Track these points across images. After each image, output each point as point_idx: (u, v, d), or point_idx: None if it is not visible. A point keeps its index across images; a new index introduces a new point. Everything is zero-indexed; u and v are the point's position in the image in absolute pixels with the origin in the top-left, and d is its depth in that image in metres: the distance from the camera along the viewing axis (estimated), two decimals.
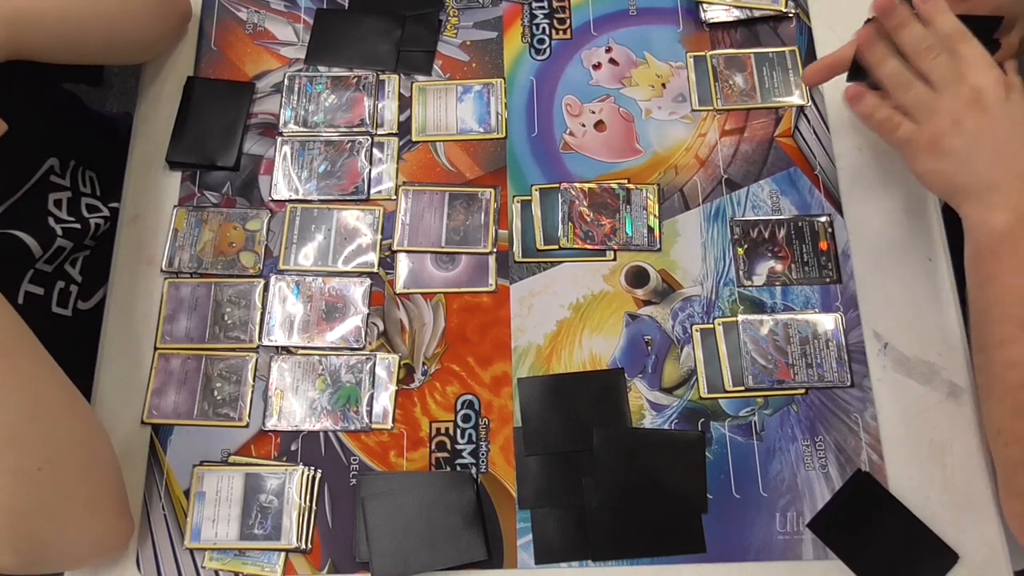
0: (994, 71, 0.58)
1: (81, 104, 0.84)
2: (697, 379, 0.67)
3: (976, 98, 0.58)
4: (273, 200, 0.74)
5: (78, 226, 0.71)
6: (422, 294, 0.71)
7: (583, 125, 0.76)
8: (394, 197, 0.74)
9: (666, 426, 0.66)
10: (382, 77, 0.78)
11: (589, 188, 0.73)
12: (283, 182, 0.74)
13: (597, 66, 0.78)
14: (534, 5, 0.81)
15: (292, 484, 0.65)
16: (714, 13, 0.79)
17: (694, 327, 0.68)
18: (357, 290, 0.70)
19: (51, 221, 0.69)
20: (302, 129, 0.76)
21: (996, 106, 0.57)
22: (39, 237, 0.66)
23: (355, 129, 0.76)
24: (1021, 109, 0.58)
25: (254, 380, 0.68)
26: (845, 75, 0.65)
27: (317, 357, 0.68)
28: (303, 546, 0.63)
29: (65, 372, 0.58)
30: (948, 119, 0.58)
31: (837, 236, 0.71)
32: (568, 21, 0.80)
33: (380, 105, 0.77)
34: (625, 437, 0.65)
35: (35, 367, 0.55)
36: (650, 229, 0.72)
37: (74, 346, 0.69)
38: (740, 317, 0.68)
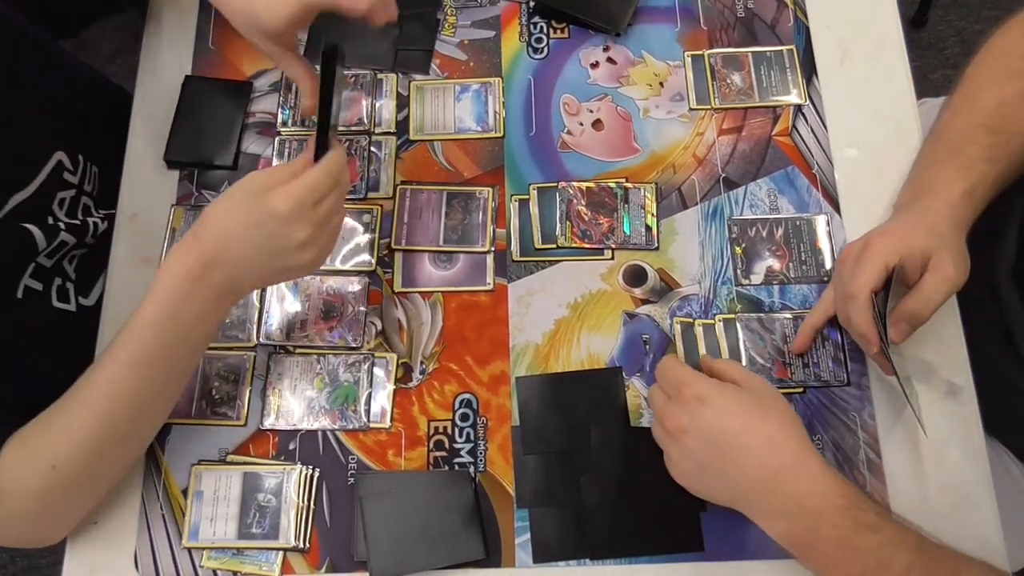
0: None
1: (103, 80, 0.84)
2: None
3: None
4: None
5: (77, 222, 0.71)
6: (420, 293, 0.70)
7: (581, 124, 0.76)
8: (392, 196, 0.74)
9: None
10: (380, 76, 0.78)
11: (587, 187, 0.73)
12: None
13: (595, 65, 0.78)
14: (532, 4, 0.81)
15: (290, 483, 0.64)
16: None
17: (697, 321, 0.68)
18: (355, 289, 0.70)
19: (51, 219, 0.69)
20: (300, 128, 0.76)
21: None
22: (45, 230, 0.66)
23: (353, 128, 0.76)
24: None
25: (252, 379, 0.68)
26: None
27: (315, 356, 0.68)
28: (301, 545, 0.63)
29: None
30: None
31: (835, 235, 0.71)
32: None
33: (378, 104, 0.77)
34: (623, 436, 0.65)
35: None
36: (648, 228, 0.72)
37: (78, 341, 0.69)
38: (738, 316, 0.68)
